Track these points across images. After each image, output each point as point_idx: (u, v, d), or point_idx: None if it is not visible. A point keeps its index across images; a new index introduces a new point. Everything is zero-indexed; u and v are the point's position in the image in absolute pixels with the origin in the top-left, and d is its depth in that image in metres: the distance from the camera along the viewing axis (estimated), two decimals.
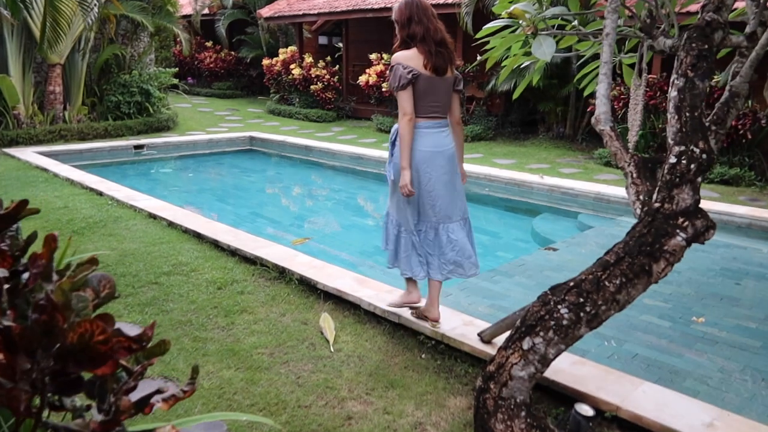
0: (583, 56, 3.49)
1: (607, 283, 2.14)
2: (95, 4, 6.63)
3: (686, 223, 2.16)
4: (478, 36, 3.23)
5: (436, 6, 11.16)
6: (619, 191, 6.77)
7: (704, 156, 2.17)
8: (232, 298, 3.80)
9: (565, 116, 10.79)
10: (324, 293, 3.82)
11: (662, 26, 2.72)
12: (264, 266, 4.25)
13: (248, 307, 3.67)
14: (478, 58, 3.20)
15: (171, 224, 5.27)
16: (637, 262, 2.16)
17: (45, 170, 7.69)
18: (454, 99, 3.21)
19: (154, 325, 1.04)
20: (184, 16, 17.99)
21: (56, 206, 5.94)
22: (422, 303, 3.37)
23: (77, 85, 10.95)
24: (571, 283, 2.25)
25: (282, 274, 4.11)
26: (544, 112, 11.08)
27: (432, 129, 3.09)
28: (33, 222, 5.44)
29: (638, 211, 2.40)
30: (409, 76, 2.96)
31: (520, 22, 3.00)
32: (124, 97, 11.38)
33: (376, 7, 12.30)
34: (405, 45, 3.07)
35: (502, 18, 3.01)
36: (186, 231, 5.08)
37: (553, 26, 3.11)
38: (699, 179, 2.21)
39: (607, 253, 2.28)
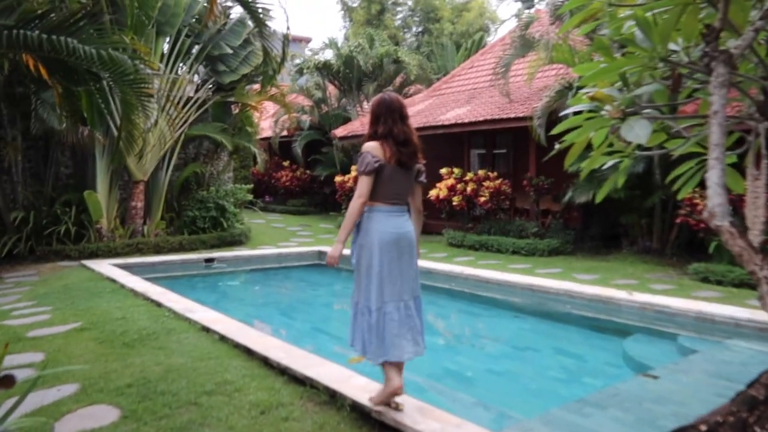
0: (670, 160, 3.00)
1: (758, 429, 1.53)
2: (157, 116, 6.99)
3: None
4: (556, 131, 2.86)
5: (507, 120, 11.10)
6: (726, 309, 5.91)
7: None
8: (274, 425, 3.31)
9: (651, 229, 10.03)
10: (379, 423, 3.25)
11: None
12: (314, 387, 3.76)
13: None
14: (556, 147, 2.81)
15: (223, 338, 4.93)
16: None
17: (114, 281, 7.71)
18: (416, 188, 3.50)
19: None
20: (264, 139, 19.00)
21: (114, 317, 5.79)
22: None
23: (158, 201, 11.40)
24: (703, 427, 1.65)
25: (333, 397, 3.60)
26: (626, 225, 10.38)
27: (392, 213, 3.35)
28: (87, 333, 5.28)
29: None
30: (376, 165, 3.24)
31: (606, 107, 2.62)
32: (200, 212, 11.70)
33: (446, 123, 12.41)
34: (373, 138, 3.36)
35: (583, 103, 2.64)
36: (237, 346, 4.71)
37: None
38: None
39: (750, 385, 1.68)
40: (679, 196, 3.24)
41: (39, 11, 3.92)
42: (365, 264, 3.32)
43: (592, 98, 2.52)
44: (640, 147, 2.86)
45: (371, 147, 3.29)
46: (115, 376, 4.13)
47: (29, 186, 10.57)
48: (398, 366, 3.32)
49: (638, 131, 2.26)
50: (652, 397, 4.08)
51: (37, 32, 3.69)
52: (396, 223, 3.33)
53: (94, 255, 9.94)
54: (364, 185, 3.25)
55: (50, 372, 4.18)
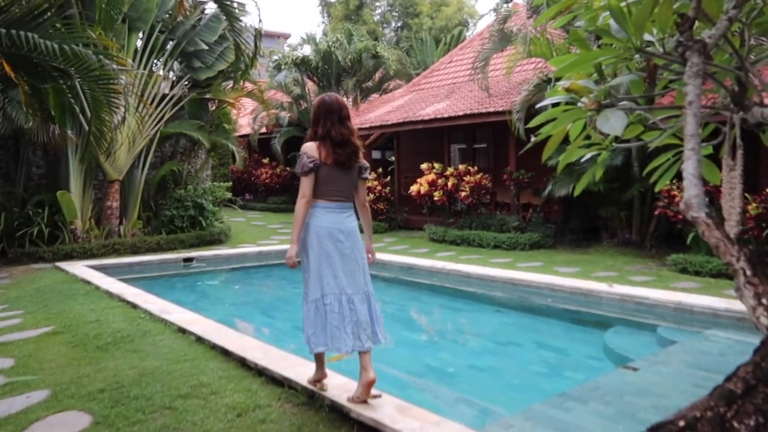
0: (647, 152, 2.98)
1: (736, 424, 1.50)
2: (125, 111, 6.86)
3: None
4: (532, 124, 2.82)
5: (486, 114, 11.09)
6: (705, 300, 5.96)
7: None
8: (251, 428, 3.23)
9: (630, 221, 10.10)
10: (358, 423, 3.20)
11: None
12: (292, 388, 3.70)
13: None
14: (532, 139, 2.77)
15: (199, 339, 4.84)
16: None
17: (88, 283, 7.55)
18: (360, 185, 3.62)
19: None
20: (243, 136, 18.79)
21: (88, 320, 5.66)
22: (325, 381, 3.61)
23: (134, 200, 11.20)
24: (681, 423, 1.61)
25: (311, 398, 3.54)
26: (606, 218, 10.44)
27: (332, 210, 3.46)
28: (60, 337, 5.15)
29: (763, 318, 1.78)
30: (311, 165, 3.37)
31: (582, 99, 2.58)
32: (178, 211, 11.53)
33: (426, 118, 12.36)
34: (313, 138, 3.47)
35: (559, 95, 2.60)
36: (213, 347, 4.62)
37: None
38: None
39: (728, 379, 1.65)
40: (657, 188, 3.21)
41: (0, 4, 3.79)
42: (305, 258, 3.47)
43: (568, 90, 2.48)
44: (617, 139, 2.83)
45: (308, 148, 3.43)
46: (87, 381, 4.02)
47: (0, 187, 10.31)
48: (364, 358, 3.38)
49: (614, 123, 2.22)
50: (632, 389, 4.08)
51: None
52: (334, 219, 3.44)
53: (69, 257, 9.74)
54: (304, 185, 3.41)
55: (20, 379, 4.06)
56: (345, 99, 18.64)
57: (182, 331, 5.12)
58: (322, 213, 3.44)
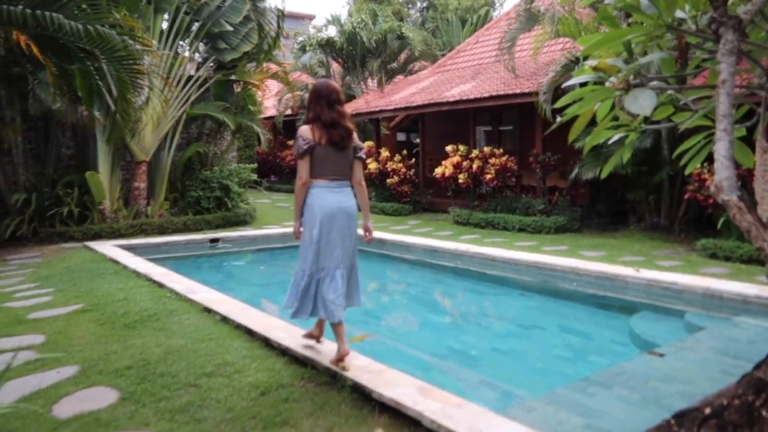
0: (678, 134, 2.89)
1: (765, 412, 1.46)
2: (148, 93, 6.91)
3: None
4: (558, 104, 2.75)
5: (512, 96, 10.93)
6: (734, 286, 5.82)
7: None
8: (274, 406, 3.27)
9: (659, 205, 9.90)
10: (380, 404, 3.21)
11: None
12: (315, 368, 3.72)
13: (291, 419, 3.12)
14: (557, 120, 2.71)
15: (224, 319, 4.90)
16: None
17: (117, 262, 7.70)
18: (356, 164, 3.82)
19: None
20: (268, 118, 18.86)
21: (116, 298, 5.77)
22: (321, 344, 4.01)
23: (161, 181, 11.35)
24: (707, 410, 1.57)
25: (333, 378, 3.56)
26: (634, 202, 10.25)
27: (332, 189, 3.68)
28: (88, 315, 5.27)
29: None
30: (305, 147, 3.60)
31: (610, 78, 2.51)
32: (204, 192, 11.65)
33: (451, 100, 12.23)
34: (306, 122, 3.72)
35: (586, 74, 2.53)
36: (238, 326, 4.68)
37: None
38: None
39: (757, 366, 1.60)
40: (687, 171, 3.12)
41: None
42: (308, 235, 3.68)
43: (595, 69, 2.41)
44: (646, 120, 2.75)
45: (302, 131, 3.67)
46: (114, 357, 4.11)
47: (30, 167, 10.54)
48: (338, 330, 3.67)
49: (642, 102, 2.15)
50: (658, 375, 4.02)
51: (21, 7, 3.60)
52: (336, 198, 3.68)
53: (98, 236, 9.93)
54: (301, 168, 3.66)
55: (50, 355, 4.17)
56: (370, 80, 18.61)
57: (207, 310, 5.19)
58: (324, 192, 3.66)
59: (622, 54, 2.67)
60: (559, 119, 2.76)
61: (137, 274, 6.88)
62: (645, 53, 2.75)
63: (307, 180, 3.66)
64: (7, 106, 9.94)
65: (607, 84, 2.53)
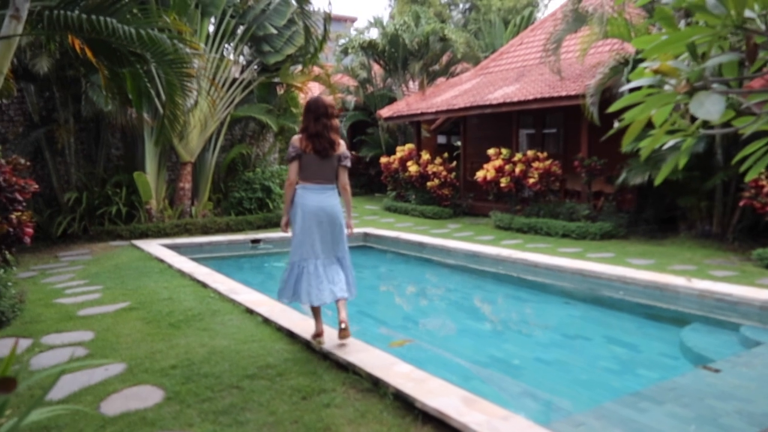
0: (741, 139, 2.74)
1: None
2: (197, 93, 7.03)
3: None
4: (613, 108, 2.64)
5: (558, 99, 10.71)
6: None
7: None
8: (316, 412, 3.25)
9: (711, 212, 9.53)
10: (423, 414, 3.15)
11: None
12: (356, 374, 3.69)
13: (332, 425, 3.09)
14: (615, 125, 2.59)
15: (266, 320, 4.92)
16: None
17: (162, 261, 7.84)
18: (341, 171, 4.29)
19: None
20: None
21: (161, 297, 5.87)
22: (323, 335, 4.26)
23: (205, 182, 11.54)
24: None
25: (375, 385, 3.52)
26: (684, 208, 9.90)
27: (315, 190, 4.20)
28: (135, 313, 5.37)
29: None
30: (293, 154, 4.17)
31: (671, 81, 2.39)
32: (246, 193, 11.80)
33: (494, 102, 12.07)
34: (301, 132, 4.24)
35: (646, 77, 2.41)
36: (279, 329, 4.69)
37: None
38: None
39: None
40: (747, 178, 2.96)
41: None
42: (293, 229, 4.25)
43: (656, 71, 2.29)
44: (705, 125, 2.62)
45: (293, 140, 4.23)
46: (160, 356, 4.16)
47: (82, 167, 10.85)
48: (315, 311, 4.23)
49: (709, 107, 2.03)
50: (713, 392, 3.84)
51: (77, 12, 3.69)
52: (317, 198, 4.17)
53: (144, 235, 10.17)
54: (290, 171, 4.22)
55: (98, 352, 4.26)
56: (411, 82, 18.55)
57: (249, 311, 5.22)
58: (307, 193, 4.18)
59: (680, 57, 2.56)
60: (617, 124, 2.65)
61: (182, 274, 7.00)
62: (704, 55, 2.62)
63: (294, 181, 4.21)
64: (61, 108, 10.27)
65: (666, 88, 2.41)
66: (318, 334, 4.24)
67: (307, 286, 4.12)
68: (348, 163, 4.34)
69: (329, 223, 4.19)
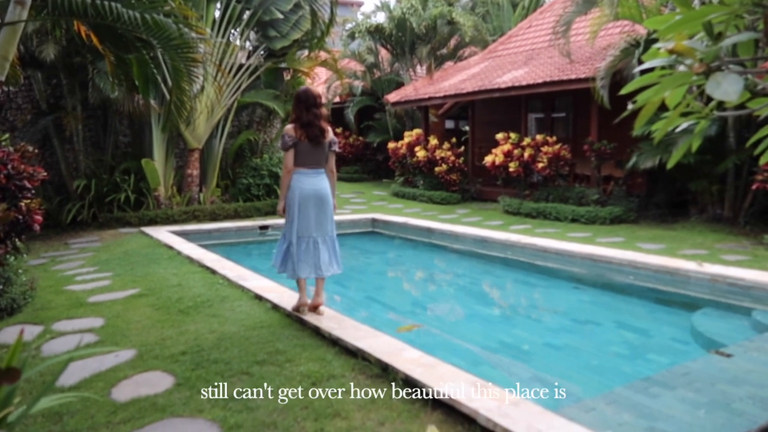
0: (757, 121, 2.67)
1: None
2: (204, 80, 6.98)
3: None
4: (626, 89, 2.59)
5: (567, 82, 10.59)
6: None
7: None
8: (326, 397, 3.25)
9: (722, 196, 9.44)
10: (432, 399, 3.14)
11: None
12: (366, 360, 3.68)
13: (342, 411, 3.09)
14: (629, 107, 2.54)
15: (275, 306, 4.92)
16: None
17: (171, 248, 7.86)
18: (330, 156, 4.67)
19: None
20: None
21: (170, 284, 5.88)
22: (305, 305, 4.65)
23: (213, 168, 11.54)
24: None
25: (384, 371, 3.51)
26: (695, 192, 9.80)
27: (309, 175, 4.53)
28: (145, 300, 5.38)
29: None
30: (290, 143, 4.45)
31: (685, 61, 2.33)
32: (254, 179, 11.79)
33: (503, 86, 11.96)
34: (292, 122, 4.53)
35: (660, 57, 2.36)
36: (289, 315, 4.69)
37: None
38: None
39: None
40: (761, 161, 2.90)
41: None
42: (289, 211, 4.55)
43: (671, 51, 2.24)
44: (719, 107, 2.56)
45: (287, 129, 4.51)
46: (170, 343, 4.18)
47: (90, 154, 10.88)
48: (300, 284, 4.63)
49: (727, 88, 1.98)
50: (726, 377, 3.81)
51: None
52: (311, 182, 4.52)
53: (153, 222, 10.20)
54: (287, 159, 4.50)
55: (108, 339, 4.27)
56: (419, 67, 18.39)
57: (258, 297, 5.23)
58: (303, 177, 4.51)
59: (697, 36, 2.49)
60: (630, 106, 2.60)
61: (190, 260, 7.01)
62: (719, 35, 2.56)
63: (292, 168, 4.50)
64: (69, 95, 10.27)
65: (680, 68, 2.36)
66: (302, 305, 4.63)
67: (297, 260, 4.49)
68: (336, 148, 4.71)
69: (322, 203, 4.55)
